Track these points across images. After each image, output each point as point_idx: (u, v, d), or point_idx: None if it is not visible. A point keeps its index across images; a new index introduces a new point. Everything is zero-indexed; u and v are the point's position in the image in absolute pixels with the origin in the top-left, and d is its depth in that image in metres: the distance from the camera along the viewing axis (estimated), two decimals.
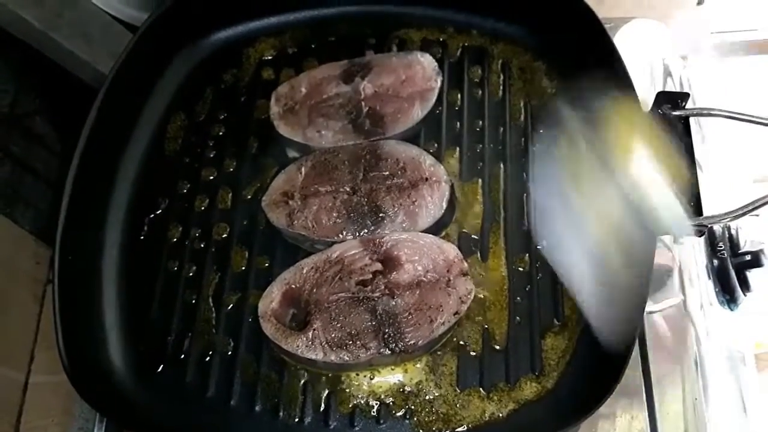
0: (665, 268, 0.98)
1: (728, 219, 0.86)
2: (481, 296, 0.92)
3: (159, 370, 0.90)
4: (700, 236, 0.91)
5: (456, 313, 0.87)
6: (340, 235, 0.92)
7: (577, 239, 0.94)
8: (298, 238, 0.94)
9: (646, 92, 0.95)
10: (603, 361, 0.84)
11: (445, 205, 0.93)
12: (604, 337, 0.87)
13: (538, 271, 0.95)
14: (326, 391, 0.88)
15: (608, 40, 0.99)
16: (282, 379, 0.89)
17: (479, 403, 0.87)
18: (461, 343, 0.90)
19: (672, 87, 1.16)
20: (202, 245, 0.98)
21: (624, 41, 1.14)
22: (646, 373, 0.92)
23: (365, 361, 0.85)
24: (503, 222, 0.98)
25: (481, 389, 0.88)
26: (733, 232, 1.03)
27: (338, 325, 0.86)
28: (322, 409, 0.87)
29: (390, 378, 0.88)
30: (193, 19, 1.11)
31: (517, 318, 0.92)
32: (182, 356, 0.91)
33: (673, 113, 0.93)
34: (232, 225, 0.99)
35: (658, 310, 0.95)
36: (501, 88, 1.09)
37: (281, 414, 0.87)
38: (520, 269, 0.95)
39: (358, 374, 0.88)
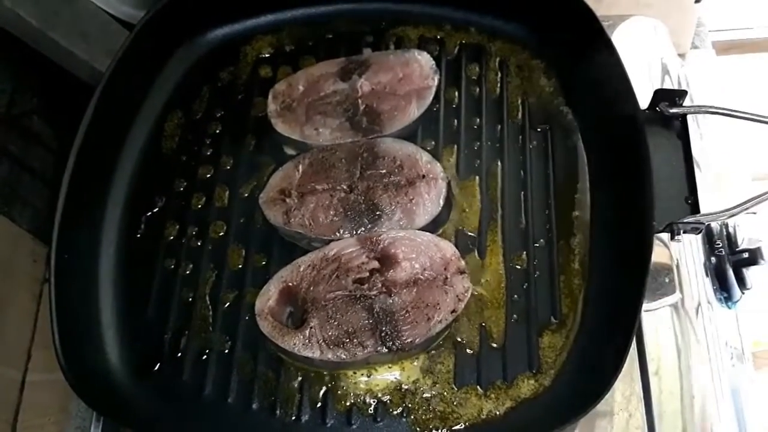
0: (663, 266, 0.97)
1: (726, 216, 0.87)
2: (478, 294, 0.92)
3: (156, 368, 0.90)
4: (697, 234, 0.91)
5: (453, 311, 0.86)
6: (337, 233, 0.92)
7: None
8: (295, 236, 0.94)
9: (643, 90, 0.95)
10: (600, 359, 0.84)
11: (442, 203, 0.93)
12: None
13: (535, 268, 0.95)
14: (323, 389, 0.88)
15: (606, 38, 0.99)
16: (279, 377, 0.89)
17: (476, 401, 0.87)
18: (458, 340, 0.90)
19: (670, 85, 1.16)
20: (199, 243, 0.98)
21: (622, 39, 1.14)
22: (644, 371, 0.92)
23: (362, 359, 0.85)
24: (501, 220, 0.98)
25: (478, 387, 0.88)
26: (730, 229, 1.03)
27: (335, 323, 0.86)
28: (319, 407, 0.87)
29: (387, 376, 0.88)
30: (190, 17, 1.11)
31: (515, 316, 0.92)
32: (179, 354, 0.91)
33: (670, 111, 0.93)
34: (229, 223, 0.99)
35: (655, 308, 0.95)
36: (499, 85, 1.09)
37: (278, 412, 0.87)
38: (518, 267, 0.95)
39: (355, 372, 0.88)
